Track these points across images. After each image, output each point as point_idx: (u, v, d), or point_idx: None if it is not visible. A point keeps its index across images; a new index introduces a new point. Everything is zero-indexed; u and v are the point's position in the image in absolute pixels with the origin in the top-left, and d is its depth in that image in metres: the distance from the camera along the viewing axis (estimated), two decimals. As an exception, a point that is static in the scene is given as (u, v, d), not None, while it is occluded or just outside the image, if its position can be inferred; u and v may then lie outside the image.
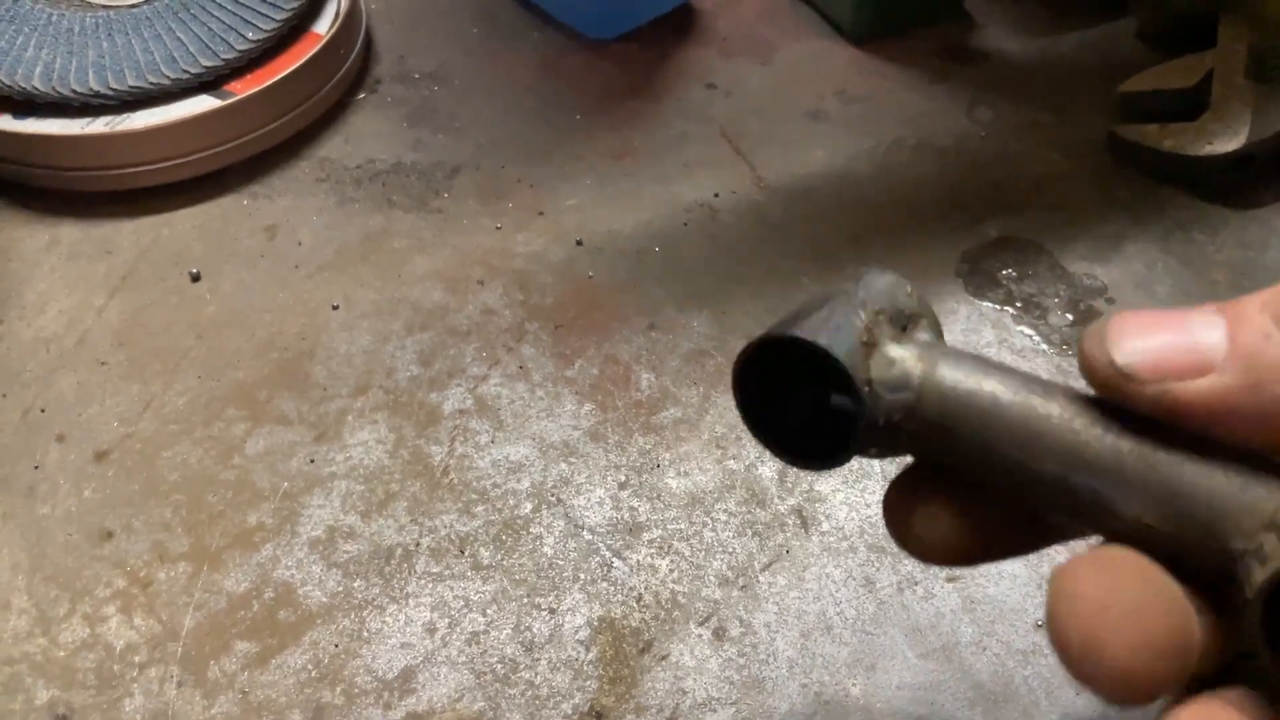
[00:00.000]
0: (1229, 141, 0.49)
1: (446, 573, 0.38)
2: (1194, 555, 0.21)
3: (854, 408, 0.24)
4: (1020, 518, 0.25)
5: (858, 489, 0.40)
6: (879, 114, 0.55)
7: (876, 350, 0.24)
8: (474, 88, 0.57)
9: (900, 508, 0.26)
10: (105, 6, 0.55)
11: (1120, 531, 0.22)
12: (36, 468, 0.42)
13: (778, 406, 0.26)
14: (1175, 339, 0.21)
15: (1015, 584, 0.38)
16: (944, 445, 0.24)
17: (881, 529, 0.39)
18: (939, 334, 0.26)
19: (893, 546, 0.38)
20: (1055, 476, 0.22)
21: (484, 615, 0.37)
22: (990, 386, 0.23)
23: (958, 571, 0.38)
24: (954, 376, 0.24)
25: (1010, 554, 0.26)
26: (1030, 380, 0.23)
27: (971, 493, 0.25)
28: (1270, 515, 0.20)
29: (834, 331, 0.24)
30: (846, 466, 0.40)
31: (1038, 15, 0.60)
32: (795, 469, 0.31)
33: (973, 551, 0.26)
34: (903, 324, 0.25)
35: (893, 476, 0.25)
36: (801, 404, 0.26)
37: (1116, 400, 0.22)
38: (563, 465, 0.41)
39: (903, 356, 0.24)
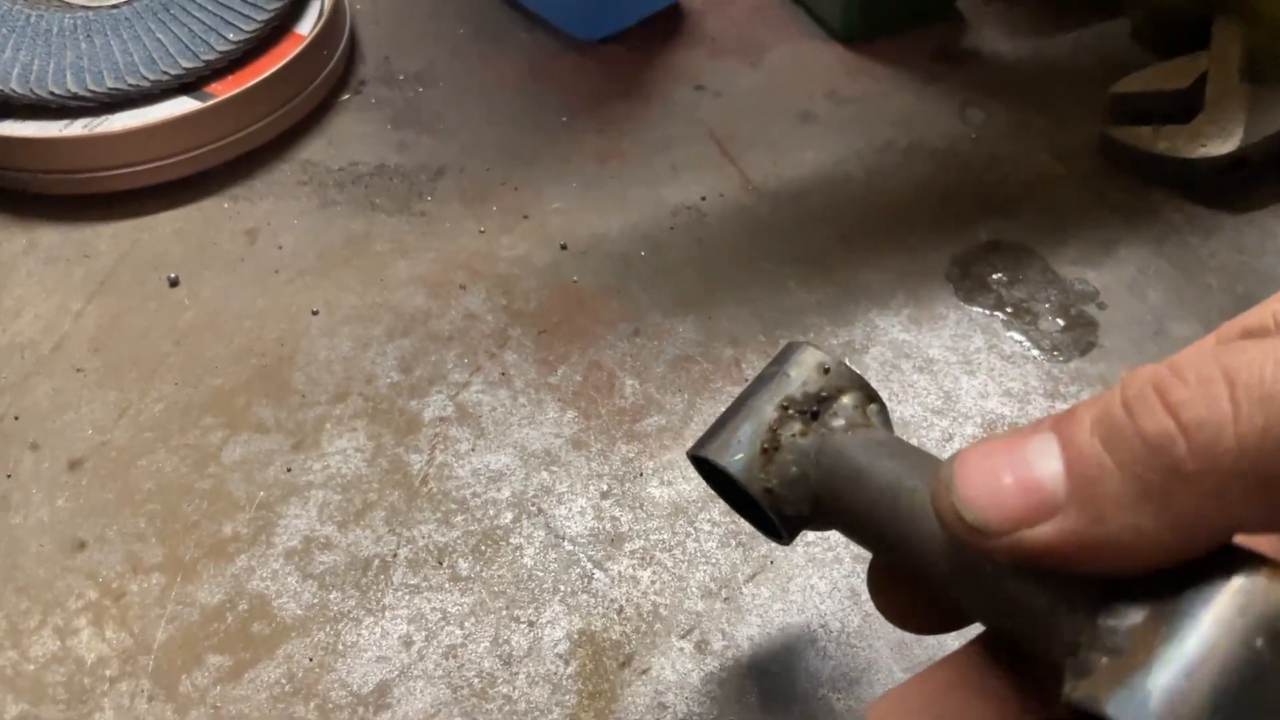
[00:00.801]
0: (1223, 144, 0.48)
1: (424, 584, 0.38)
2: (1039, 656, 0.23)
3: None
4: None
5: (844, 498, 0.40)
6: (869, 116, 0.55)
7: (778, 453, 0.27)
8: (459, 89, 0.57)
9: (871, 583, 0.28)
10: (84, 7, 0.54)
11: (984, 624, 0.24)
12: (9, 476, 0.41)
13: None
14: (1016, 479, 0.21)
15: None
16: (849, 529, 0.26)
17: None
18: (863, 398, 0.27)
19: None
20: (928, 570, 0.24)
21: (462, 628, 0.37)
22: (873, 477, 0.25)
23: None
24: (844, 468, 0.26)
25: (966, 623, 0.28)
26: (919, 464, 0.25)
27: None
28: (1069, 642, 0.21)
29: (737, 445, 0.27)
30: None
31: (1030, 16, 0.60)
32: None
33: (933, 623, 0.28)
34: (815, 409, 0.27)
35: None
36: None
37: (978, 552, 0.22)
38: (544, 474, 0.41)
39: (800, 456, 0.27)
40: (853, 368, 0.28)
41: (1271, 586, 0.19)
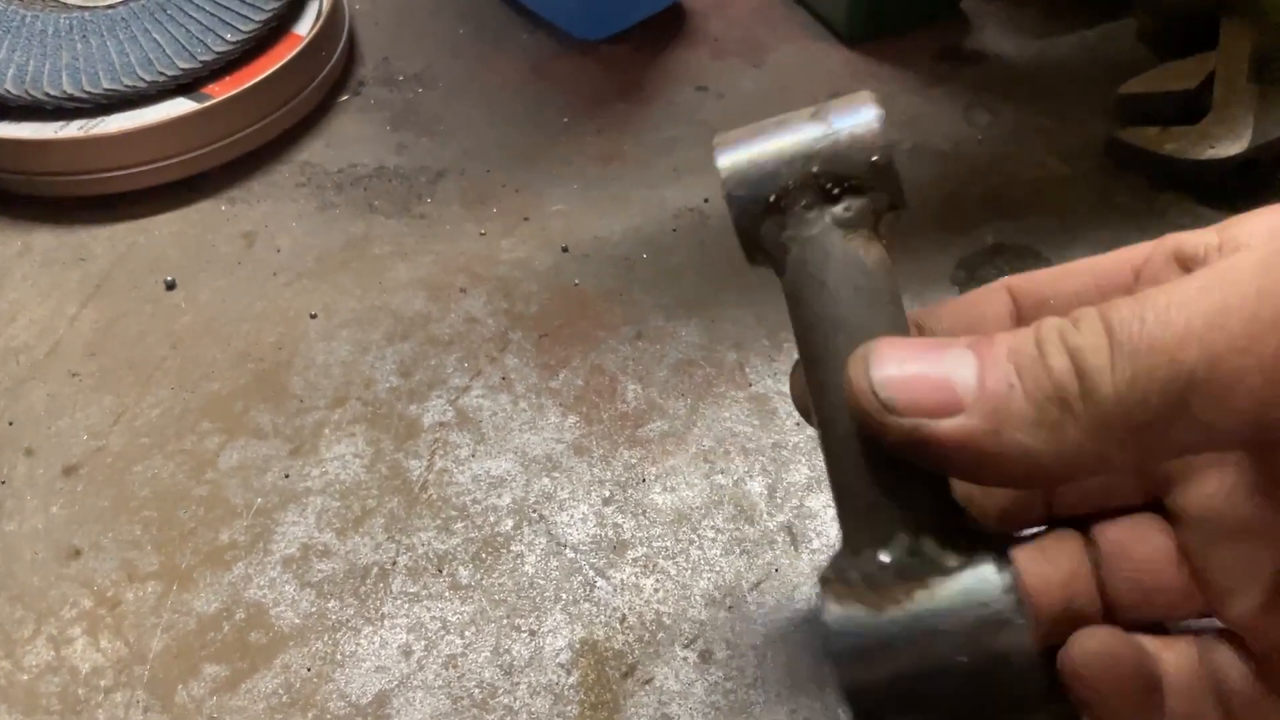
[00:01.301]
0: (1231, 145, 0.47)
1: (424, 593, 0.37)
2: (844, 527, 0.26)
3: None
4: None
5: (849, 505, 0.39)
6: (873, 117, 0.54)
7: (778, 214, 0.26)
8: (459, 90, 0.56)
9: (793, 374, 0.30)
10: (80, 7, 0.53)
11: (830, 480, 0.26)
12: (3, 483, 0.40)
13: None
14: (931, 372, 0.23)
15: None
16: (791, 316, 0.27)
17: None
18: (885, 202, 0.27)
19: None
20: (823, 407, 0.26)
21: (462, 637, 0.36)
22: (830, 302, 0.26)
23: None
24: (817, 273, 0.26)
25: None
26: (876, 320, 0.25)
27: None
28: (865, 543, 0.24)
29: (751, 180, 0.26)
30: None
31: (1036, 16, 0.59)
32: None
33: None
34: (837, 190, 0.26)
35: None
36: None
37: (875, 430, 0.24)
38: (545, 480, 0.40)
39: (795, 228, 0.26)
40: (895, 167, 0.26)
41: (1007, 612, 0.22)
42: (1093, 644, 0.27)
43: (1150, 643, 0.28)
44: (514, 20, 0.60)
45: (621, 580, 0.37)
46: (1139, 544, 0.29)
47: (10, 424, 0.42)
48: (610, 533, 0.38)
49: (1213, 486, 0.28)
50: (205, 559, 0.38)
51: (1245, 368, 0.20)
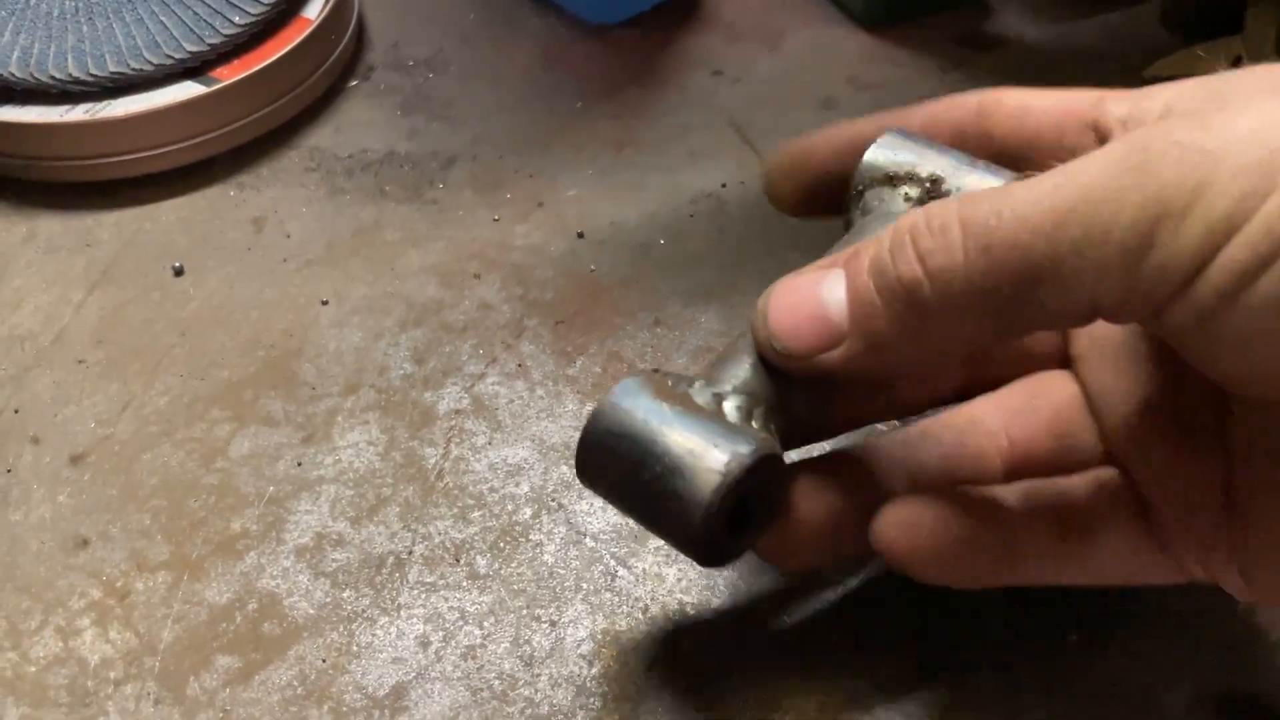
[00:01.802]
0: (1259, 129, 0.46)
1: (441, 582, 0.36)
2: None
3: None
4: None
5: (875, 493, 0.38)
6: (891, 102, 0.52)
7: (880, 187, 0.31)
8: (471, 75, 0.55)
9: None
10: (86, -11, 0.52)
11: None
12: (9, 471, 0.40)
13: None
14: (814, 310, 0.26)
15: (1043, 594, 0.36)
16: None
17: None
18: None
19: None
20: None
21: (480, 628, 0.35)
22: (852, 236, 0.31)
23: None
24: (861, 222, 0.31)
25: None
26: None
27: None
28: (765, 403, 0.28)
29: (889, 157, 0.31)
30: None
31: (1057, 0, 0.58)
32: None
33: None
34: (903, 187, 0.30)
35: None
36: None
37: (788, 371, 0.27)
38: (564, 468, 0.39)
39: (882, 203, 0.31)
40: None
41: (713, 465, 0.26)
42: (898, 515, 0.29)
43: (1004, 492, 0.30)
44: (525, 5, 0.59)
45: (643, 570, 0.36)
46: (1056, 389, 0.32)
47: (16, 412, 0.41)
48: (631, 522, 0.38)
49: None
50: (216, 548, 0.37)
51: (1082, 268, 0.22)
